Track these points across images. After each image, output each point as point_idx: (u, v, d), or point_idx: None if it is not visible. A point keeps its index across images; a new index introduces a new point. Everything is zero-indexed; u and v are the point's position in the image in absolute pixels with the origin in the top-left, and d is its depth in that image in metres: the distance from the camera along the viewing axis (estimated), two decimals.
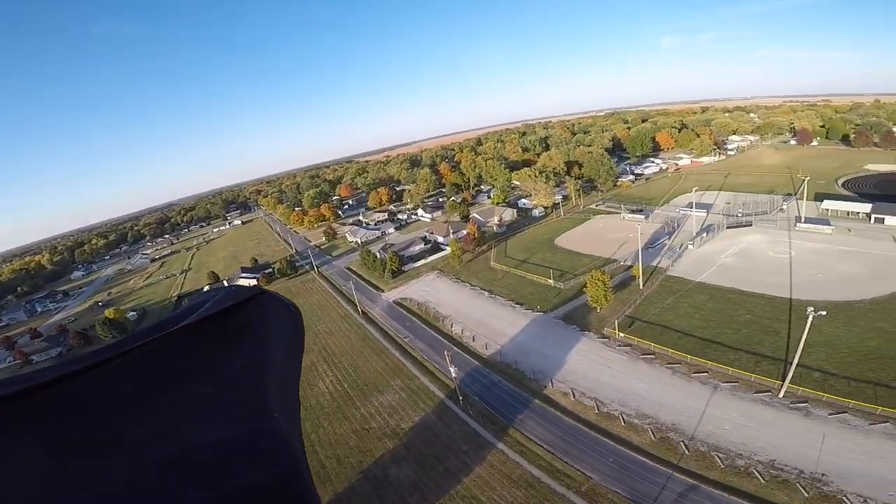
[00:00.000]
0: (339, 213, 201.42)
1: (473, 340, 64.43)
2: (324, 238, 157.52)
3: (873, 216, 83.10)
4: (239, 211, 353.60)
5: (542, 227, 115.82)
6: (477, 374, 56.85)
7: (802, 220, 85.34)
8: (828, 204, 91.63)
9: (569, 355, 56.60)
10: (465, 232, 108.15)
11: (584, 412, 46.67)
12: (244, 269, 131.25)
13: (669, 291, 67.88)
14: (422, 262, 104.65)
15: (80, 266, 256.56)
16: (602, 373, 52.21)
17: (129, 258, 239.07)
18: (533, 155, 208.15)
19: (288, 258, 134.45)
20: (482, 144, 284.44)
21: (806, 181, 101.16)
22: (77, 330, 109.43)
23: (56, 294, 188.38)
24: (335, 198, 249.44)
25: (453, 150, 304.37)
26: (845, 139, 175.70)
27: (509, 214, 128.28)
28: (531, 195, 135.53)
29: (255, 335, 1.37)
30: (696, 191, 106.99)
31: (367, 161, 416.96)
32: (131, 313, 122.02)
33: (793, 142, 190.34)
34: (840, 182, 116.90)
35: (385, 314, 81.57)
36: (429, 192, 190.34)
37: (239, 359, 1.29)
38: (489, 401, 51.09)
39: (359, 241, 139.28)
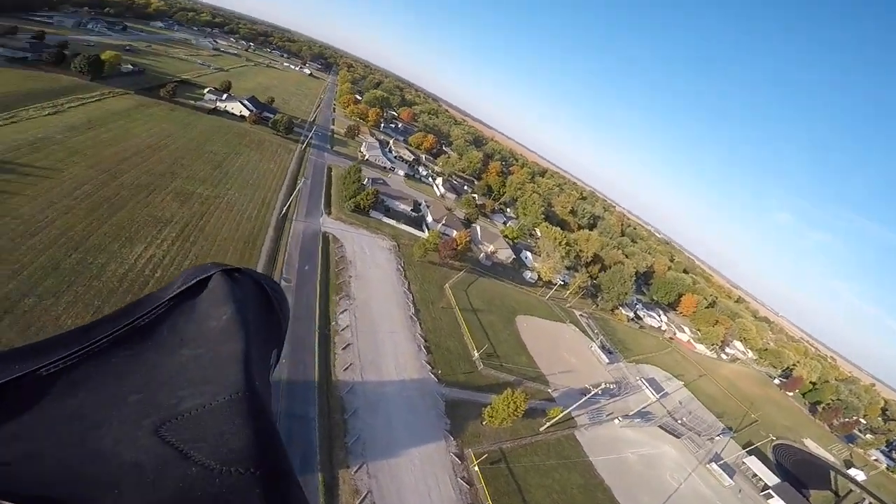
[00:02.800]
0: (381, 125, 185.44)
1: (343, 349, 50.03)
2: (344, 131, 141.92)
3: (769, 490, 75.53)
4: (318, 66, 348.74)
5: (520, 292, 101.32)
6: (301, 394, 41.62)
7: (718, 461, 74.92)
8: (750, 460, 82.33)
9: (412, 452, 42.57)
10: (454, 233, 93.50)
11: None
12: (248, 99, 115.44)
13: (560, 453, 54.53)
14: (391, 222, 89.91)
15: (167, 19, 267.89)
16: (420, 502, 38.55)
17: (203, 37, 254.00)
18: (575, 222, 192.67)
19: (294, 119, 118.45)
20: (542, 177, 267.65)
21: (768, 441, 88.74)
22: (63, 50, 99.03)
23: (119, 24, 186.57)
24: (392, 113, 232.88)
25: (516, 159, 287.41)
26: (815, 404, 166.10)
27: (506, 255, 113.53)
28: (540, 256, 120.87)
29: (229, 307, 1.38)
30: (678, 381, 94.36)
31: (446, 111, 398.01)
32: (128, 66, 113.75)
33: (777, 381, 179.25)
34: (774, 443, 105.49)
35: (301, 237, 66.77)
36: (464, 172, 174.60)
37: (220, 330, 1.30)
38: None
39: (365, 156, 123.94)
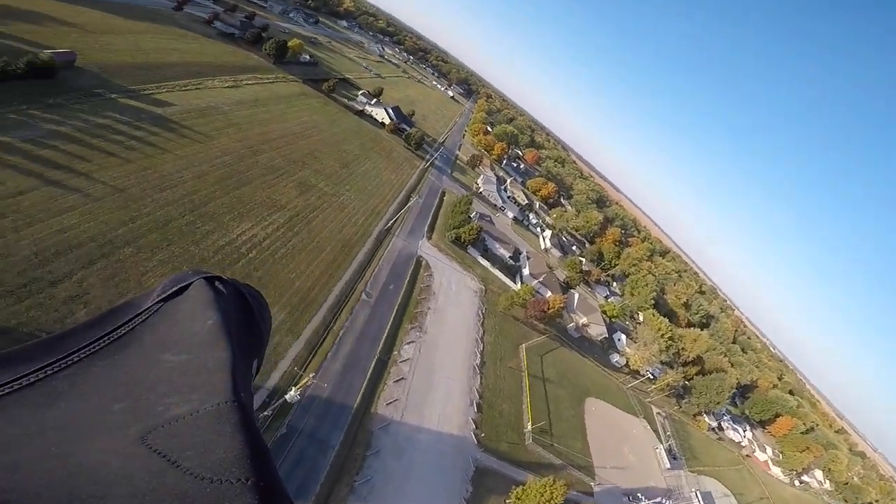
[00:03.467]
0: (504, 161, 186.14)
1: (395, 382, 47.61)
2: (466, 159, 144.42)
3: None
4: (461, 91, 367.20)
5: (600, 374, 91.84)
6: (333, 418, 38.61)
7: None
8: None
9: None
10: (548, 294, 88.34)
11: None
12: (392, 108, 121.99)
13: None
14: (486, 264, 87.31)
15: (352, 20, 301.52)
16: None
17: (374, 43, 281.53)
18: (685, 317, 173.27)
19: (425, 137, 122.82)
20: (662, 257, 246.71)
21: None
22: (262, 33, 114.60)
23: (314, 18, 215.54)
24: (517, 151, 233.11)
25: (638, 231, 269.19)
26: None
27: (597, 332, 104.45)
28: (636, 342, 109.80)
29: (211, 315, 1.39)
30: (735, 499, 78.98)
31: (573, 161, 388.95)
32: (305, 56, 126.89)
33: None
34: None
35: (396, 255, 66.88)
36: (577, 231, 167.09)
37: (204, 337, 1.30)
38: None
39: (479, 189, 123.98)
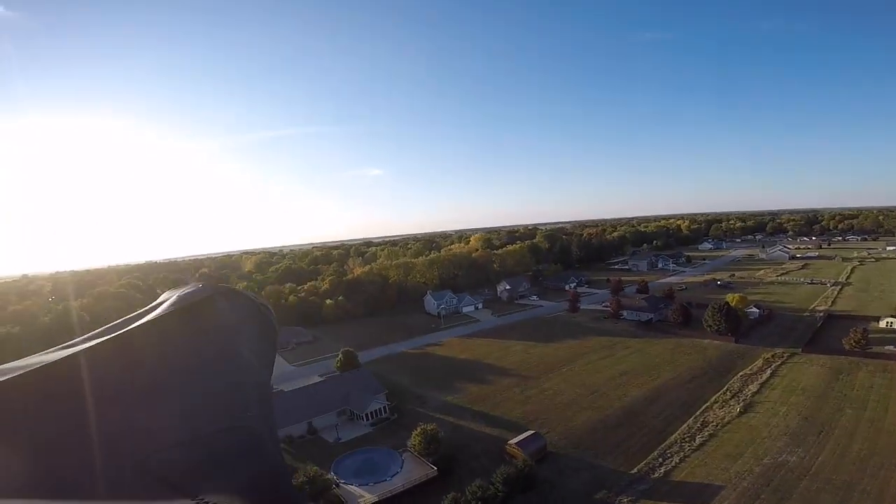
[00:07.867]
0: None
1: None
2: None
3: None
4: None
5: None
6: None
7: None
8: None
9: None
10: None
11: None
12: None
13: None
14: None
15: (710, 239, 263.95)
16: None
17: (763, 247, 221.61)
18: None
19: None
20: None
21: None
22: (685, 303, 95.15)
23: (680, 257, 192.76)
24: None
25: None
26: None
27: None
28: None
29: (226, 330, 1.32)
30: None
31: None
32: (753, 308, 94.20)
33: None
34: None
35: None
36: None
37: (212, 354, 1.23)
38: None
39: None
